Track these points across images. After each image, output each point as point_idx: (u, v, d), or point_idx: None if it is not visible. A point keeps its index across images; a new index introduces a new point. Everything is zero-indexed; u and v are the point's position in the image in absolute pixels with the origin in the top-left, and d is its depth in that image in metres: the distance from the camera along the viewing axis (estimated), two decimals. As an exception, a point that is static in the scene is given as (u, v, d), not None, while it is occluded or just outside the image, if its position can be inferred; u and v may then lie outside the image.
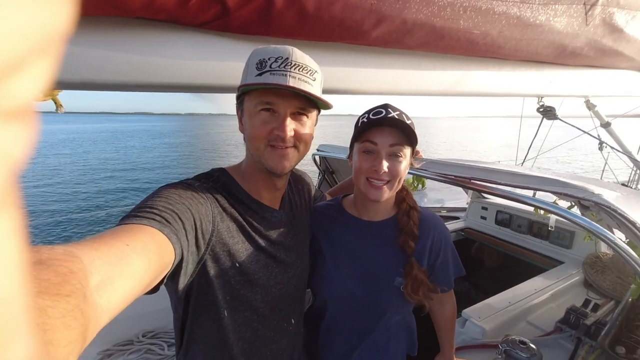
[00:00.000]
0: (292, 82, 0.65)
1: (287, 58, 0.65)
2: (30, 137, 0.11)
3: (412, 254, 0.86)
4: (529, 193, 0.94)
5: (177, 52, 0.79)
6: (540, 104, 1.80)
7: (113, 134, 47.75)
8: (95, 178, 14.69)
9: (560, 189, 0.77)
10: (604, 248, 1.81)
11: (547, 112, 1.84)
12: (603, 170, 3.08)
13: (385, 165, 0.78)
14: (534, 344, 1.00)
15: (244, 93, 0.71)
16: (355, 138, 0.84)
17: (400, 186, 0.85)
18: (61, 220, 8.57)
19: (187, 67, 0.80)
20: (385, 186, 0.80)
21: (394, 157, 0.80)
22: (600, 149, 2.33)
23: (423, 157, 0.95)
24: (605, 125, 2.24)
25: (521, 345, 0.98)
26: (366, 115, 0.82)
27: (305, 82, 0.67)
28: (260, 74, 0.65)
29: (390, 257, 0.88)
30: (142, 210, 0.53)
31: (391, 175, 0.80)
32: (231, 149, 26.97)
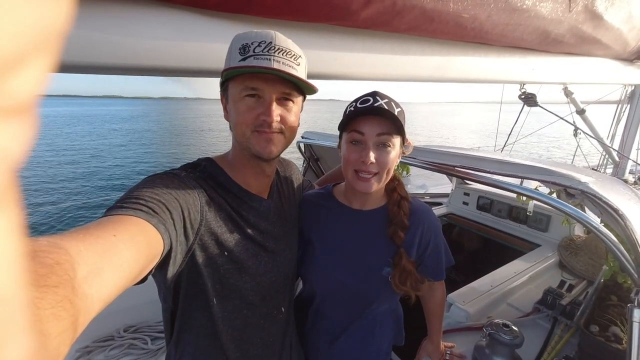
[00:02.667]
0: (276, 66, 0.63)
1: (271, 42, 0.63)
2: (29, 134, 0.11)
3: (401, 244, 0.85)
4: (515, 180, 0.95)
5: (145, 30, 0.70)
6: (522, 90, 1.82)
7: (63, 118, 44.26)
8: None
9: (548, 177, 0.78)
10: (577, 231, 1.90)
11: (528, 99, 1.87)
12: (574, 155, 3.22)
13: (372, 156, 0.76)
14: (515, 326, 1.04)
15: (227, 80, 0.68)
16: (343, 127, 0.81)
17: (389, 177, 0.83)
18: None
19: (157, 48, 0.72)
20: (373, 178, 0.78)
21: (382, 147, 0.77)
22: (575, 134, 2.42)
23: (412, 144, 0.94)
24: (581, 112, 2.31)
25: (504, 328, 1.02)
26: (354, 103, 0.79)
27: (290, 66, 0.65)
28: (243, 59, 0.63)
29: (380, 247, 0.88)
30: (128, 201, 0.52)
31: (379, 166, 0.77)
32: (192, 136, 25.32)
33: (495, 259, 1.87)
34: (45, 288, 0.24)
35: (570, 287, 1.41)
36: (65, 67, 0.67)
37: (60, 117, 45.90)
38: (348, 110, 0.80)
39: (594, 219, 0.83)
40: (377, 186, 0.80)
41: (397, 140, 0.79)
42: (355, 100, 0.79)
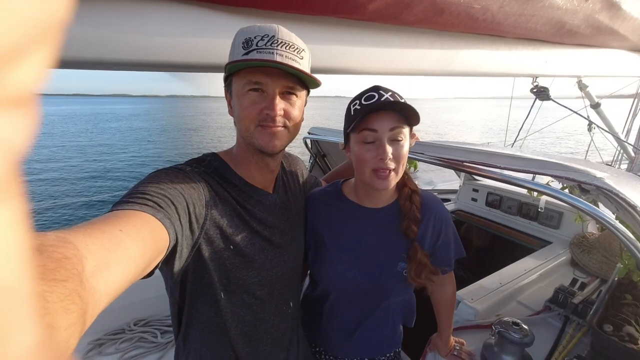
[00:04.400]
0: (279, 60, 0.62)
1: (274, 36, 0.63)
2: (31, 125, 0.11)
3: (415, 238, 0.85)
4: (526, 176, 0.93)
5: (153, 26, 0.70)
6: (535, 84, 1.77)
7: (60, 117, 44.38)
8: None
9: (562, 172, 0.75)
10: (590, 229, 1.86)
11: (541, 93, 1.82)
12: (587, 151, 3.14)
13: (389, 151, 0.74)
14: (525, 324, 1.02)
15: (231, 75, 0.68)
16: (352, 128, 0.78)
17: (404, 169, 0.82)
18: None
19: (165, 43, 0.72)
20: (391, 173, 0.77)
21: (395, 141, 0.76)
22: (589, 129, 2.36)
23: (419, 139, 0.92)
24: (595, 106, 2.25)
25: (514, 327, 1.00)
26: (357, 101, 0.77)
27: (293, 60, 0.65)
28: (246, 53, 0.63)
29: (393, 243, 0.87)
30: (134, 196, 0.52)
31: (396, 161, 0.76)
32: (182, 135, 24.90)
33: (505, 256, 1.84)
34: (54, 282, 0.25)
35: (583, 285, 1.38)
36: (75, 63, 0.68)
37: (54, 116, 45.82)
38: (353, 109, 0.78)
39: (609, 215, 0.80)
40: (395, 181, 0.79)
41: (407, 131, 0.78)
42: (358, 98, 0.77)
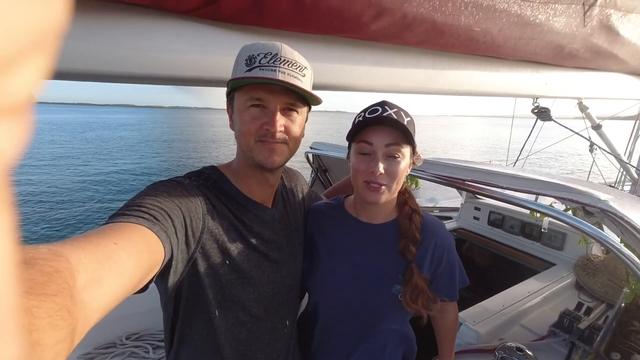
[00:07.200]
0: (281, 77, 0.63)
1: (277, 54, 0.64)
2: (24, 134, 0.11)
3: (412, 259, 0.82)
4: (527, 195, 0.92)
5: (160, 41, 0.72)
6: (536, 104, 1.79)
7: (50, 125, 43.95)
8: None
9: (566, 194, 0.75)
10: (595, 251, 1.83)
11: (542, 113, 1.84)
12: (589, 172, 3.13)
13: (381, 166, 0.74)
14: (530, 350, 0.99)
15: (233, 90, 0.69)
16: (352, 138, 0.80)
17: (399, 187, 0.81)
18: None
19: (171, 58, 0.74)
20: (383, 188, 0.76)
21: (391, 157, 0.76)
22: (591, 150, 2.36)
23: (422, 157, 0.92)
24: (597, 127, 2.26)
25: (518, 352, 0.96)
26: (362, 113, 0.78)
27: (295, 77, 0.66)
28: (249, 70, 0.64)
29: (389, 263, 0.84)
30: (130, 208, 0.52)
31: (389, 177, 0.76)
32: (159, 146, 24.15)
33: (507, 277, 1.80)
34: (43, 296, 0.24)
35: (589, 310, 1.34)
36: (82, 76, 0.69)
37: (43, 124, 45.20)
38: (357, 120, 0.79)
39: (614, 238, 0.79)
40: (387, 197, 0.78)
41: (406, 151, 0.77)
42: (364, 110, 0.79)
